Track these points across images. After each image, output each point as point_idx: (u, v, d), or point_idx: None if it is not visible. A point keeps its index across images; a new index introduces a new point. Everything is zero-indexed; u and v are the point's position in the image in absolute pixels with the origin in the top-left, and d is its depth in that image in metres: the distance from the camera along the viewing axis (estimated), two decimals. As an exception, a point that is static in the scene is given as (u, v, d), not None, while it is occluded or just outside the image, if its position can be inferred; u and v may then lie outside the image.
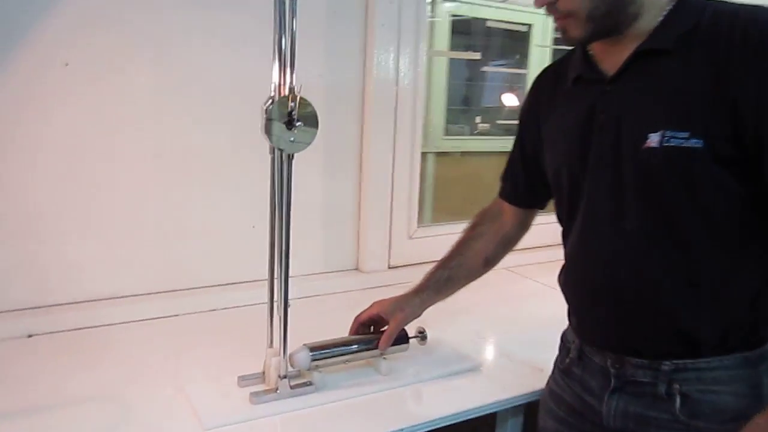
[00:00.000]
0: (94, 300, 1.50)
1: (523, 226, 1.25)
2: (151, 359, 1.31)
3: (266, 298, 1.15)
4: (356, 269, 1.86)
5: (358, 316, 1.29)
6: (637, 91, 0.88)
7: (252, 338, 1.25)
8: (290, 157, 1.05)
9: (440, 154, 2.64)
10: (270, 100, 1.02)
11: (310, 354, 1.18)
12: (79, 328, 1.44)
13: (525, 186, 1.18)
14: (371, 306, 1.28)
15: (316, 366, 1.19)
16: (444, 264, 1.27)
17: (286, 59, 1.00)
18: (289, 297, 1.12)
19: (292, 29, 0.99)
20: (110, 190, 1.49)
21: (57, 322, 1.43)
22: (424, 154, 2.01)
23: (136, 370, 1.26)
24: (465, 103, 3.00)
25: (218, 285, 1.65)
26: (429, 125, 2.53)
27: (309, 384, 1.17)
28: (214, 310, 1.59)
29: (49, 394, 1.15)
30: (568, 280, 1.05)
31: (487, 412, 1.19)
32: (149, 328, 1.48)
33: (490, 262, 1.26)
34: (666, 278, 0.89)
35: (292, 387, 1.15)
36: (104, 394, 1.16)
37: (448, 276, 1.25)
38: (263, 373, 1.19)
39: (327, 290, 1.76)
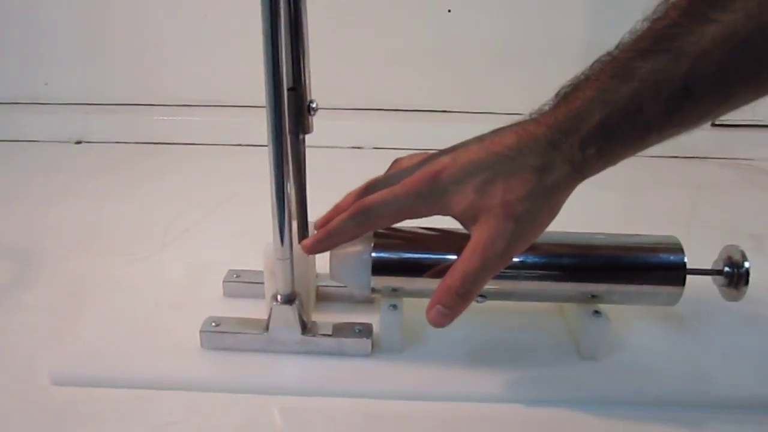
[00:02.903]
0: (186, 105, 0.96)
1: None
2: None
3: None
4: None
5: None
6: None
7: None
8: None
9: None
10: None
11: (373, 255, 0.44)
12: (149, 142, 0.92)
13: None
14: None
15: (393, 290, 0.45)
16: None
17: None
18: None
19: None
20: None
21: (119, 127, 0.93)
22: None
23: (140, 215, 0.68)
24: None
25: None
26: None
27: (362, 332, 0.45)
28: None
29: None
30: None
31: None
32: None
33: None
34: None
35: (307, 333, 0.44)
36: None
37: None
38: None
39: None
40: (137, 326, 0.47)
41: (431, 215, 0.41)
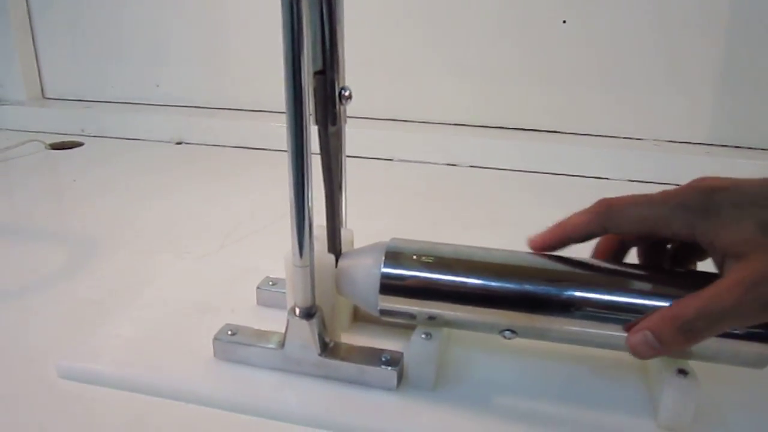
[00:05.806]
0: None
1: None
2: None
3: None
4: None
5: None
6: None
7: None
8: None
9: None
10: None
11: (383, 270, 0.37)
12: (246, 147, 0.91)
13: None
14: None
15: (430, 318, 0.38)
16: None
17: None
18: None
19: None
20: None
21: (218, 130, 0.93)
22: None
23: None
24: None
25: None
26: None
27: (388, 361, 0.38)
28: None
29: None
30: None
31: None
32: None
33: None
34: None
35: (326, 354, 0.38)
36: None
37: None
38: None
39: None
40: (157, 327, 0.44)
41: (681, 238, 0.34)
